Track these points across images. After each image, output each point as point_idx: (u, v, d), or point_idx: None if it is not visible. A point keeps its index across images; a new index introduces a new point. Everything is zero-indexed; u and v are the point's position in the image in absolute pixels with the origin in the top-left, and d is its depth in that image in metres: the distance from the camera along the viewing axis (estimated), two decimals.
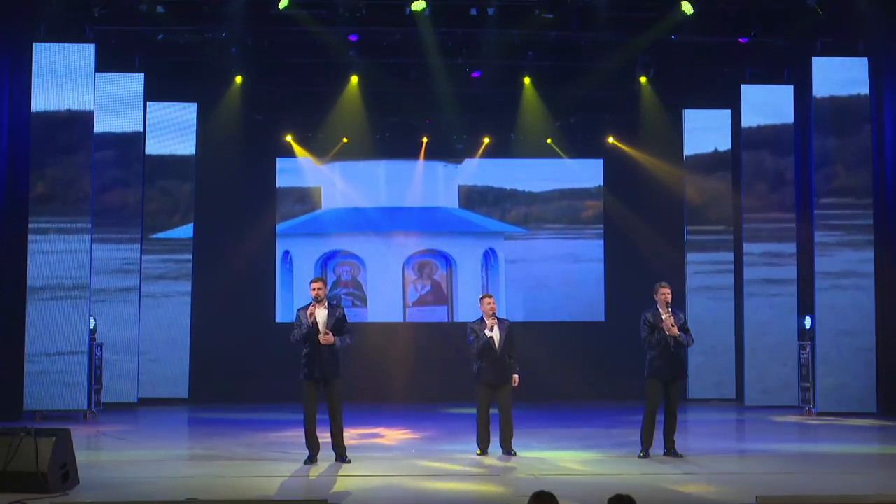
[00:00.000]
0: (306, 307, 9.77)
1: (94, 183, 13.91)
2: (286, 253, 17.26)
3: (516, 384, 10.30)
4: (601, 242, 17.48)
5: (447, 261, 17.41)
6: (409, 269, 17.40)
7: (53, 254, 13.44)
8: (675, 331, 10.04)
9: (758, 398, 15.30)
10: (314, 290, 9.72)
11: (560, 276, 17.38)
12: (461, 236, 17.52)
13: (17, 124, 13.03)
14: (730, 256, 16.55)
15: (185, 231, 16.39)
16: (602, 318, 17.38)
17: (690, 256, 16.67)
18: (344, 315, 9.84)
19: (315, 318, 9.64)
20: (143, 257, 15.54)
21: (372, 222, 17.31)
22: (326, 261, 17.35)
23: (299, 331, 9.73)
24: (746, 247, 15.62)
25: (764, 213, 15.58)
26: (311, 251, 17.32)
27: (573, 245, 17.50)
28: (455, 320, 17.10)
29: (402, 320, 17.28)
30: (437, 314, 17.31)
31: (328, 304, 9.76)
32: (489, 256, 17.45)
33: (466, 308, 16.81)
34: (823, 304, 14.10)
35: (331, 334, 9.63)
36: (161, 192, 16.33)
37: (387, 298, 17.30)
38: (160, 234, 16.23)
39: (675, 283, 10.62)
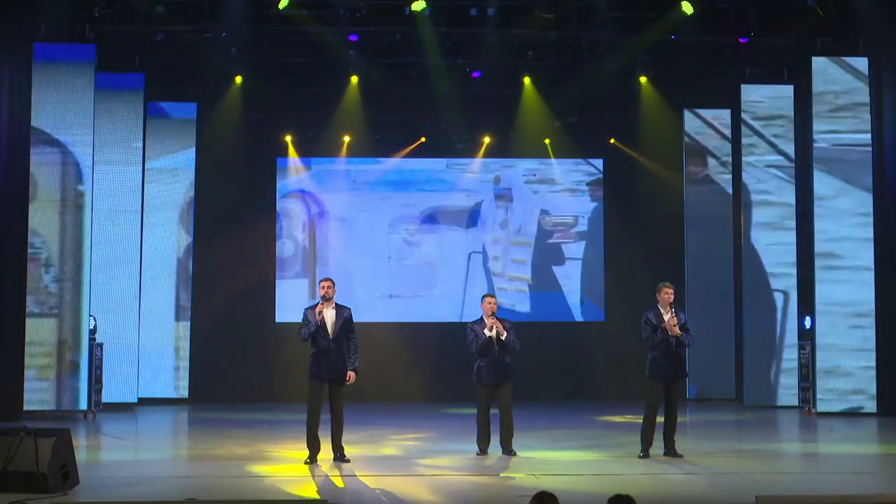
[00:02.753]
0: (314, 306, 9.79)
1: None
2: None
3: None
4: (601, 238, 17.50)
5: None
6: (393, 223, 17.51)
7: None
8: (678, 331, 10.03)
9: (758, 398, 15.32)
10: (323, 288, 9.75)
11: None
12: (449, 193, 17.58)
13: (16, 128, 13.02)
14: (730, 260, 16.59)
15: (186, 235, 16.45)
16: (602, 319, 17.38)
17: (690, 255, 16.70)
18: (351, 317, 9.85)
19: (323, 318, 9.66)
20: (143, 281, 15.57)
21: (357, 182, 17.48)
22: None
23: (307, 329, 9.73)
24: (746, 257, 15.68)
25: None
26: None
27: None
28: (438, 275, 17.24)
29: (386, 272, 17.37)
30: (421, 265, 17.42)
31: (335, 304, 9.78)
32: (476, 215, 17.48)
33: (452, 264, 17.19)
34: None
35: (353, 377, 9.75)
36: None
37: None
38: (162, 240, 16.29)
39: (676, 284, 10.59)
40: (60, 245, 13.49)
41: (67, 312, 13.44)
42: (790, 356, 15.23)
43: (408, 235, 17.43)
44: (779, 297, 15.45)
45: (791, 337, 15.30)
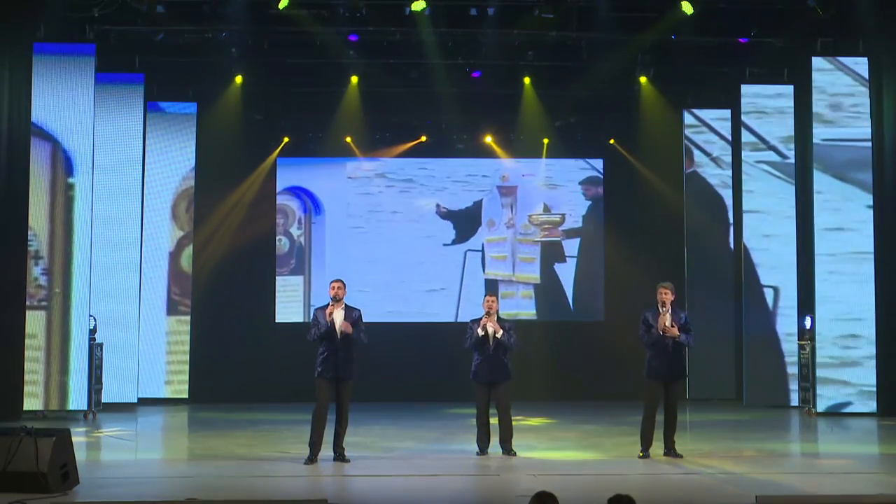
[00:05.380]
0: (324, 307, 9.82)
1: None
2: None
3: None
4: (602, 237, 17.51)
5: None
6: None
7: None
8: (675, 331, 10.01)
9: (758, 398, 15.32)
10: (333, 289, 9.78)
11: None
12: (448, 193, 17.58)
13: (16, 128, 13.01)
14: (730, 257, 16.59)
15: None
16: (602, 318, 17.38)
17: (690, 255, 16.70)
18: (360, 317, 9.87)
19: (333, 320, 9.68)
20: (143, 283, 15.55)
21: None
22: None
23: (317, 330, 9.76)
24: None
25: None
26: None
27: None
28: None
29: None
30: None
31: (345, 305, 9.80)
32: (474, 214, 17.52)
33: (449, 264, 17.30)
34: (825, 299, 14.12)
35: (348, 327, 9.68)
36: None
37: None
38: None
39: (676, 284, 10.59)
40: (50, 237, 13.46)
41: (57, 304, 13.41)
42: (785, 353, 15.28)
43: (407, 235, 17.41)
44: (769, 293, 15.46)
45: (784, 333, 15.35)
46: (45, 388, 13.27)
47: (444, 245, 17.44)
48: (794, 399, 15.06)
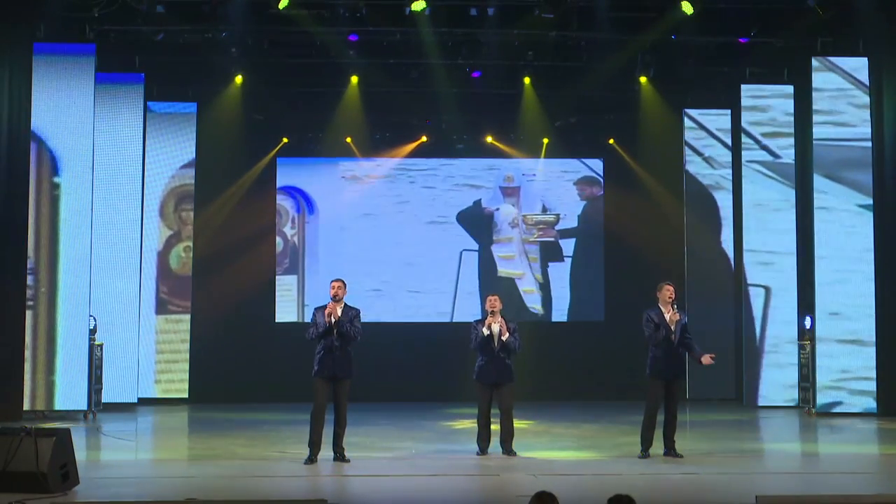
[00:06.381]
0: (323, 307, 9.82)
1: None
2: None
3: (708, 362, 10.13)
4: (601, 237, 17.52)
5: None
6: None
7: None
8: (709, 359, 10.06)
9: (758, 398, 15.32)
10: (333, 289, 9.79)
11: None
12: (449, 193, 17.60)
13: (16, 128, 13.00)
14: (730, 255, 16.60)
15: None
16: (602, 318, 17.38)
17: (690, 255, 16.71)
18: (358, 316, 9.87)
19: (331, 318, 9.68)
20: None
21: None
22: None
23: (315, 329, 9.77)
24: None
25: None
26: None
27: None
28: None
29: None
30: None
31: (345, 305, 9.81)
32: (474, 214, 17.54)
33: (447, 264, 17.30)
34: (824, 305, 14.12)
35: (336, 312, 9.67)
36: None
37: None
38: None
39: (676, 284, 10.58)
40: (36, 236, 13.39)
41: (42, 303, 13.34)
42: (776, 353, 15.35)
43: (404, 235, 17.40)
44: (759, 293, 15.46)
45: (774, 332, 15.41)
46: (31, 387, 13.18)
47: (442, 245, 17.41)
48: (794, 399, 15.03)
